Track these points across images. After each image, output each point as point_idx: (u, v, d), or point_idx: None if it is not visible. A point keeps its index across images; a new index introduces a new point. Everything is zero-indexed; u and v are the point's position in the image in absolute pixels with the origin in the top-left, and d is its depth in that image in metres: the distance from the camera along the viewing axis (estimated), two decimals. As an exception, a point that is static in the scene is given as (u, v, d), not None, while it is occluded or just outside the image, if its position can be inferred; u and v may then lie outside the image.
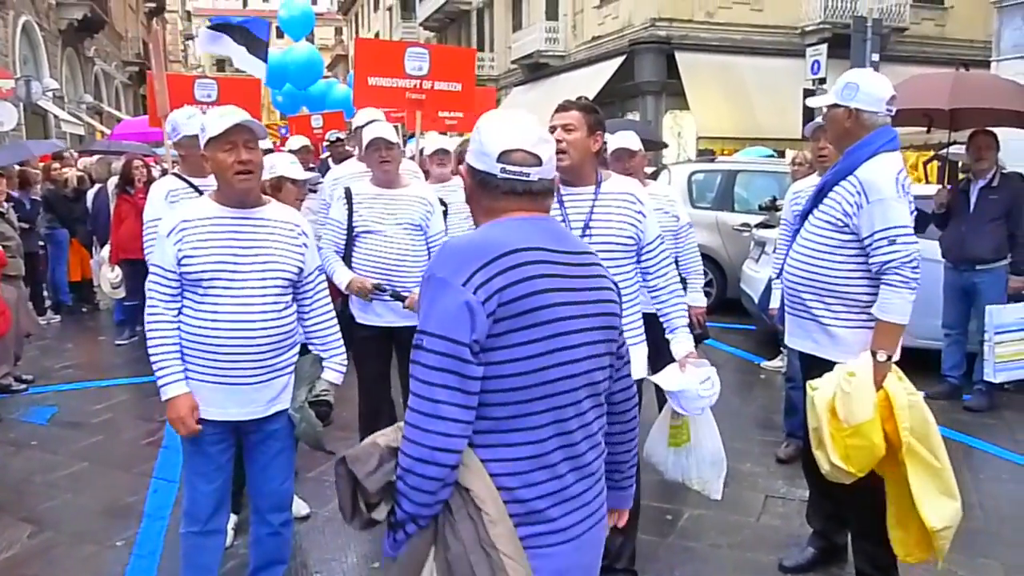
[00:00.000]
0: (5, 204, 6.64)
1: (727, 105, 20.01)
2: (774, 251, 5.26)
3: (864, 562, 3.19)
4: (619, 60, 22.41)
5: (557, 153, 2.94)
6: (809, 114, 13.38)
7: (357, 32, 54.32)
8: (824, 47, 16.39)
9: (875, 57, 14.07)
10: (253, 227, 2.67)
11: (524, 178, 1.71)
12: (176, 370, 2.66)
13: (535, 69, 27.75)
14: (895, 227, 2.87)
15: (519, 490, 1.60)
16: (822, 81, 15.57)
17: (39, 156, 11.24)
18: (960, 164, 9.37)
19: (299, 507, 4.01)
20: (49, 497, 4.37)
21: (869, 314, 2.97)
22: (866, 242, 2.92)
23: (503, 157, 1.70)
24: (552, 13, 26.94)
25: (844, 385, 2.88)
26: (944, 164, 9.66)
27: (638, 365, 3.05)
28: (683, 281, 4.55)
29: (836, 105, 3.05)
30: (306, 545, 3.81)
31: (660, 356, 3.35)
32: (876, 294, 2.95)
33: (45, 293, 9.46)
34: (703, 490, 3.40)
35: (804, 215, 3.23)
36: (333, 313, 2.94)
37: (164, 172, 8.26)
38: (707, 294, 7.14)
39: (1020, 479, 4.54)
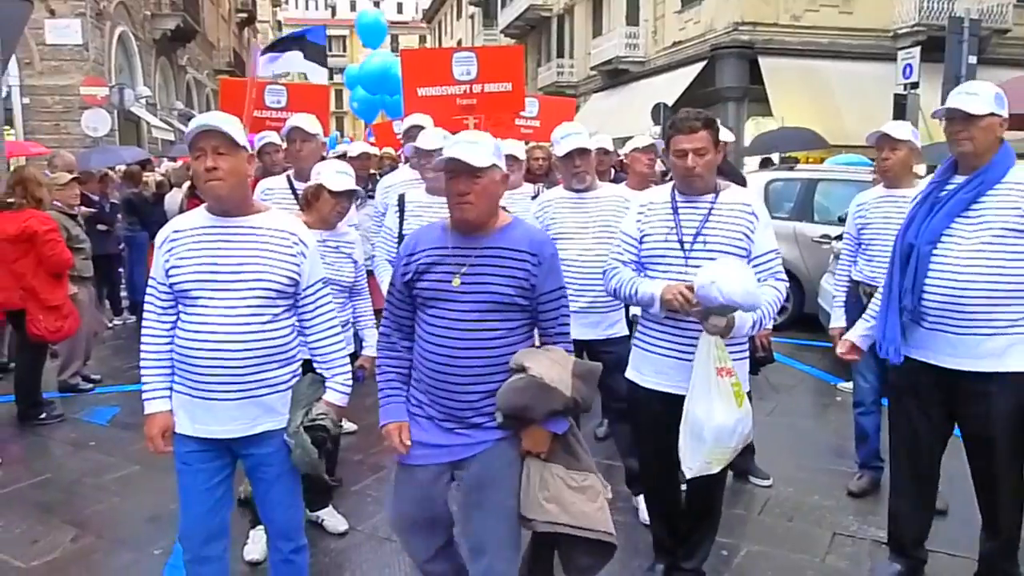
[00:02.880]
0: (77, 208, 6.78)
1: (812, 111, 19.29)
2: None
3: (1004, 553, 3.15)
4: (700, 65, 21.94)
5: (690, 178, 3.00)
6: (901, 120, 12.70)
7: (440, 40, 54.95)
8: (917, 50, 15.63)
9: (972, 60, 13.28)
10: (238, 235, 2.54)
11: None
12: (157, 386, 2.58)
13: (614, 75, 27.43)
14: None
15: None
16: (915, 86, 14.83)
17: (130, 161, 11.69)
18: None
19: (337, 523, 3.90)
20: (97, 500, 4.39)
21: None
22: None
23: None
24: (633, 18, 26.59)
25: None
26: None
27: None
28: None
29: (993, 114, 2.96)
30: (342, 563, 3.67)
31: None
32: None
33: (123, 294, 9.72)
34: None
35: (937, 230, 3.02)
36: (338, 330, 2.74)
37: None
38: (783, 309, 6.77)
39: None
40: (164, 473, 4.63)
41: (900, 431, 3.32)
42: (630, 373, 3.24)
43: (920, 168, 4.78)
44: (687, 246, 2.98)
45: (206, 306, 2.48)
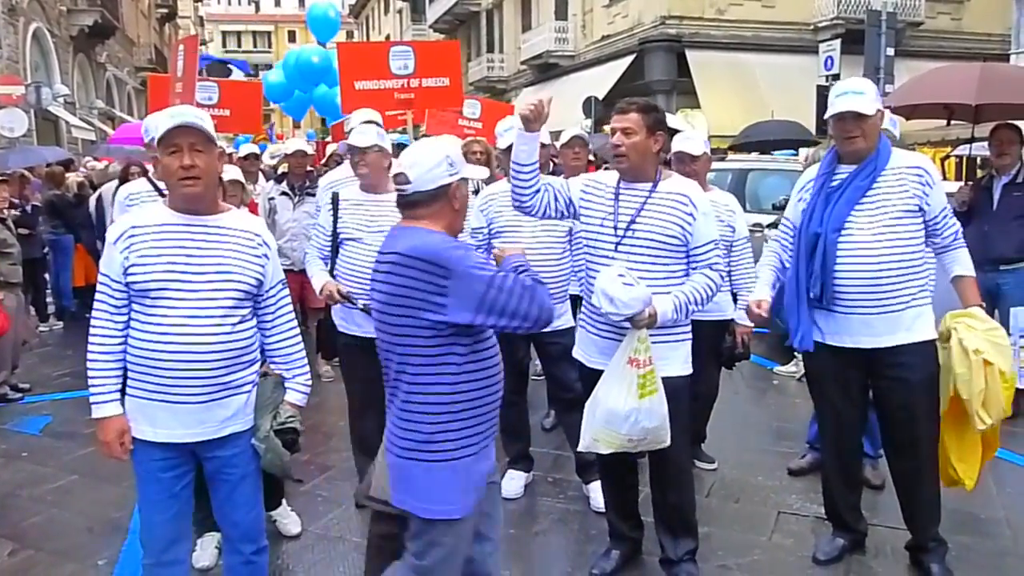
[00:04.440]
0: (5, 211, 6.51)
1: (739, 103, 19.74)
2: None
3: (933, 518, 3.34)
4: (629, 59, 22.23)
5: (617, 156, 3.04)
6: (823, 111, 13.12)
7: (368, 35, 54.30)
8: (837, 43, 16.18)
9: (890, 52, 13.80)
10: (206, 235, 2.48)
11: (401, 194, 2.38)
12: (110, 388, 2.46)
13: (545, 69, 27.58)
14: (947, 201, 3.28)
15: None
16: (836, 77, 15.32)
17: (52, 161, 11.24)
18: (979, 160, 9.11)
19: (291, 525, 3.84)
20: (34, 512, 4.22)
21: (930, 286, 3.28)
22: (939, 218, 3.22)
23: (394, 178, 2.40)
24: (562, 13, 26.77)
25: (999, 340, 3.13)
26: (962, 160, 9.39)
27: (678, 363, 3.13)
28: (733, 296, 4.33)
29: (878, 110, 3.21)
30: (294, 565, 3.62)
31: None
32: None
33: (49, 299, 9.37)
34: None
35: (841, 217, 3.20)
36: (297, 330, 2.71)
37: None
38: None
39: (1049, 491, 4.31)
40: (103, 482, 4.53)
41: (824, 413, 3.54)
42: (576, 352, 3.33)
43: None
44: (619, 233, 3.07)
45: (171, 306, 2.40)
